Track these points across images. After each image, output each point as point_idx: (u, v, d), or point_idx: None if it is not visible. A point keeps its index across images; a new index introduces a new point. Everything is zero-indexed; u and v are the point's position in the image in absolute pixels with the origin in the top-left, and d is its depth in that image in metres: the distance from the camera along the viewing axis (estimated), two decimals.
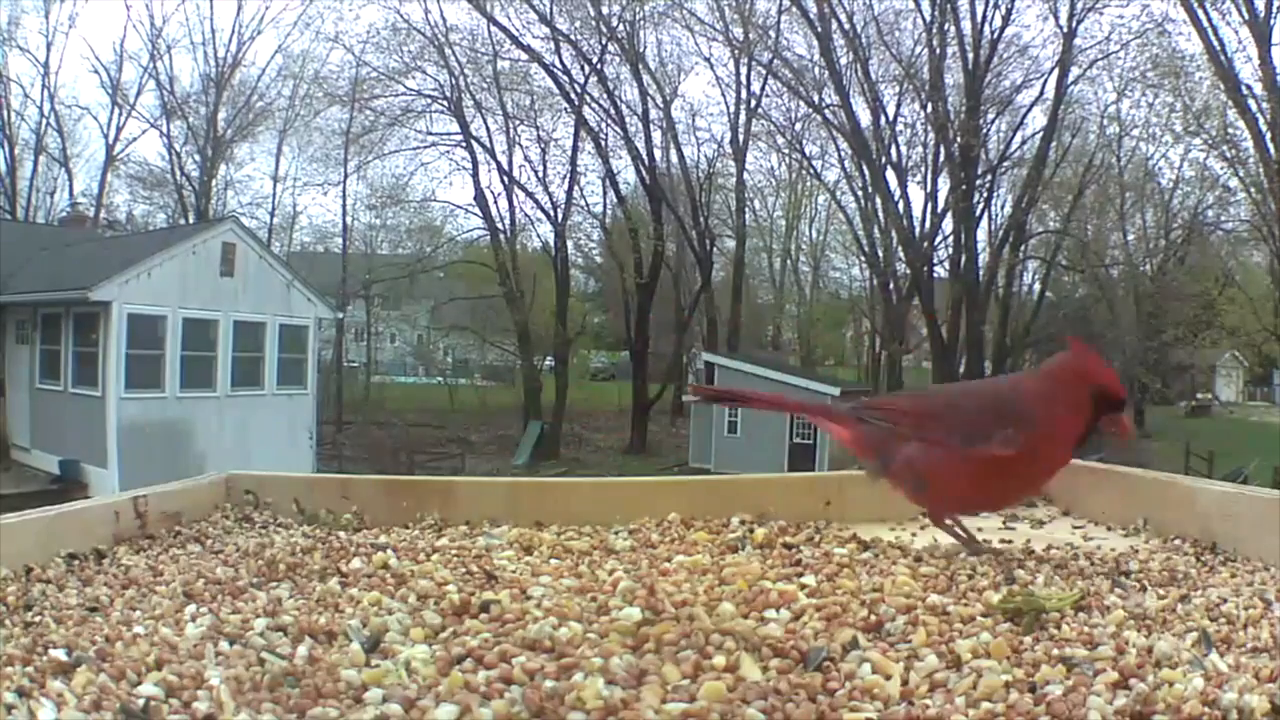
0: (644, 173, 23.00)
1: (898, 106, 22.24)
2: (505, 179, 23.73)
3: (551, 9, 21.76)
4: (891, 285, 22.66)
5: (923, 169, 22.73)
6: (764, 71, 22.81)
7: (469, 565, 1.03)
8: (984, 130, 20.73)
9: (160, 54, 24.68)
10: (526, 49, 22.31)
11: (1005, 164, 22.04)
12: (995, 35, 20.52)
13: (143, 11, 31.13)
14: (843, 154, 23.03)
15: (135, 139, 26.97)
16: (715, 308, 25.49)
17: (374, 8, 29.04)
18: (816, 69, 21.58)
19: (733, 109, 24.65)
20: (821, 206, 29.05)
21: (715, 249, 25.60)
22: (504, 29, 22.06)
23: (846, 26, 20.78)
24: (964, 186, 20.49)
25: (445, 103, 23.12)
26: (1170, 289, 21.83)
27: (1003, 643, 0.77)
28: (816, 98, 21.86)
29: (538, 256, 25.41)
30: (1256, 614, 0.85)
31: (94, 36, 43.26)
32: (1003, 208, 22.75)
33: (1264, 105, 16.85)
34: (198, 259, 14.79)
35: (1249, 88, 17.20)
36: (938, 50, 20.42)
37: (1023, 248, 21.95)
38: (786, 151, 25.63)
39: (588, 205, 25.05)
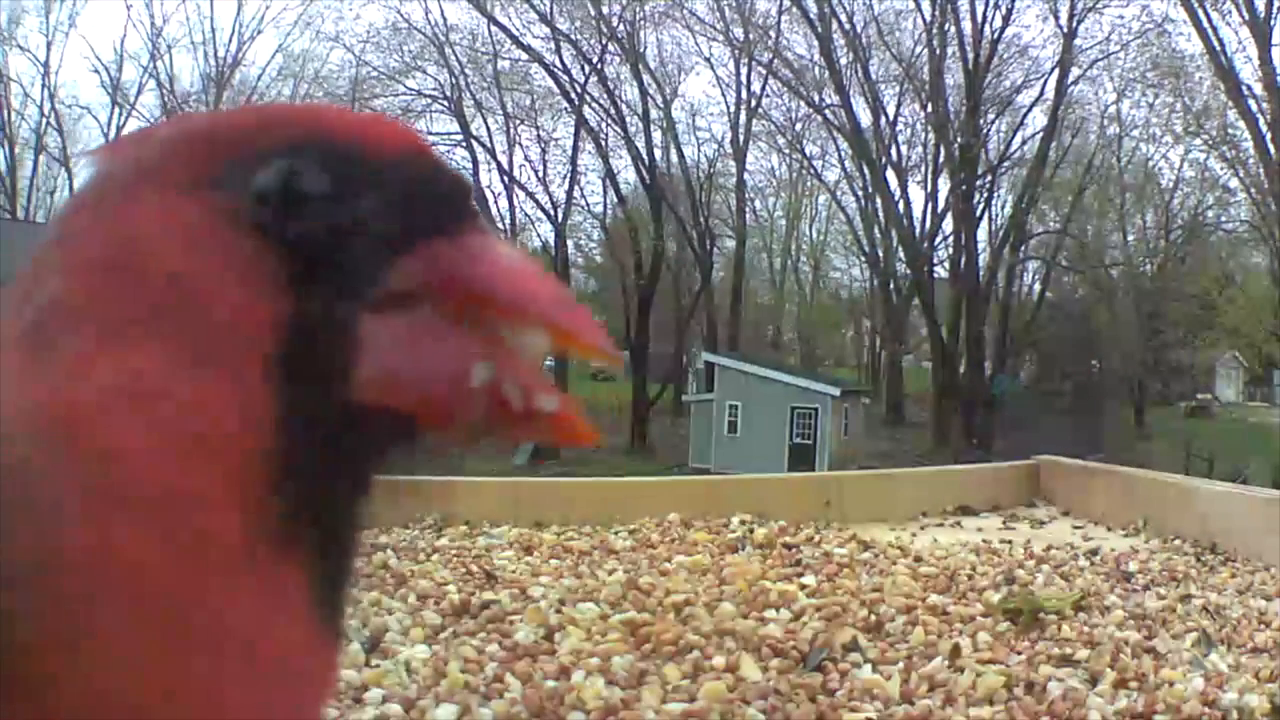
0: (644, 173, 22.98)
1: (898, 106, 22.23)
2: (505, 179, 23.71)
3: (552, 9, 21.75)
4: (892, 285, 22.65)
5: (923, 169, 22.71)
6: (764, 71, 22.79)
7: (469, 565, 1.03)
8: (984, 130, 20.70)
9: (160, 54, 24.68)
10: (527, 49, 22.30)
11: (1005, 164, 22.01)
12: (995, 35, 20.50)
13: (143, 11, 31.05)
14: (843, 154, 23.02)
15: None
16: (715, 308, 25.47)
17: (374, 8, 28.98)
18: (816, 69, 21.56)
19: (733, 109, 24.63)
20: (822, 206, 29.01)
21: (715, 249, 25.58)
22: (504, 29, 22.05)
23: (846, 26, 20.77)
24: (964, 187, 20.48)
25: (445, 102, 23.11)
26: (1170, 289, 21.81)
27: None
28: (816, 98, 21.84)
29: (538, 256, 25.39)
30: (1256, 614, 0.85)
31: (94, 36, 43.16)
32: (1003, 208, 22.73)
33: (1264, 105, 16.83)
34: None
35: (1249, 88, 17.20)
36: (938, 50, 20.41)
37: (1023, 248, 21.92)
38: (787, 151, 25.60)
39: (588, 205, 25.04)
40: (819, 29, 20.67)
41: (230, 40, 24.82)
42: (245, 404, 0.25)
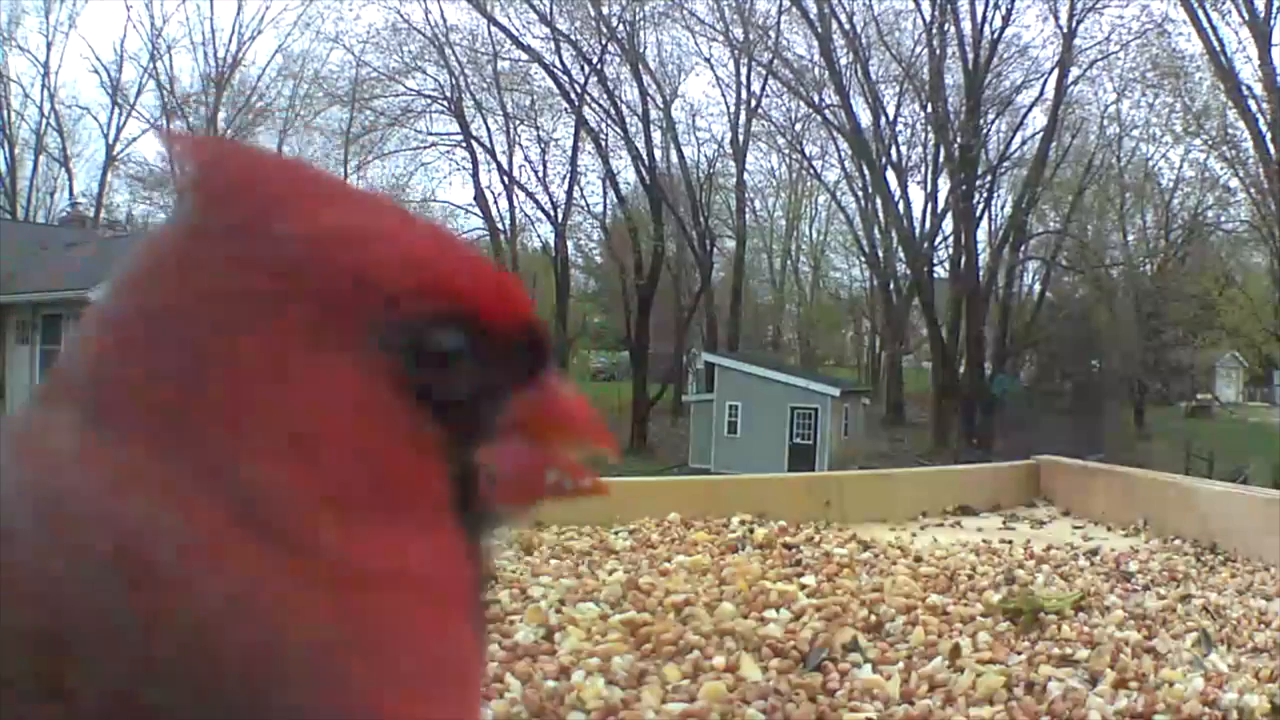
0: (644, 173, 22.98)
1: (898, 106, 22.24)
2: (505, 179, 23.73)
3: (551, 9, 21.76)
4: (892, 286, 22.66)
5: (923, 169, 22.72)
6: (764, 71, 22.80)
7: None
8: (984, 130, 20.71)
9: (160, 54, 24.68)
10: (526, 49, 22.31)
11: (1005, 164, 22.03)
12: (995, 35, 20.51)
13: (143, 11, 31.07)
14: (843, 154, 23.03)
15: (135, 139, 26.91)
16: (715, 308, 25.48)
17: (374, 8, 28.97)
18: (816, 69, 21.57)
19: (733, 109, 24.63)
20: (821, 206, 29.02)
21: (715, 249, 25.59)
22: (504, 29, 22.06)
23: (846, 26, 20.77)
24: (964, 186, 20.49)
25: (445, 103, 23.11)
26: (1170, 289, 21.82)
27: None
28: (816, 98, 21.85)
29: (538, 256, 25.40)
30: (1256, 614, 0.85)
31: (94, 36, 43.33)
32: (1003, 208, 22.74)
33: (1264, 105, 16.84)
34: None
35: (1249, 88, 17.21)
36: (938, 50, 20.42)
37: (1023, 248, 21.93)
38: (786, 151, 25.62)
39: (588, 205, 25.05)
40: (819, 29, 20.68)
41: (230, 40, 24.81)
42: (457, 549, 0.31)
